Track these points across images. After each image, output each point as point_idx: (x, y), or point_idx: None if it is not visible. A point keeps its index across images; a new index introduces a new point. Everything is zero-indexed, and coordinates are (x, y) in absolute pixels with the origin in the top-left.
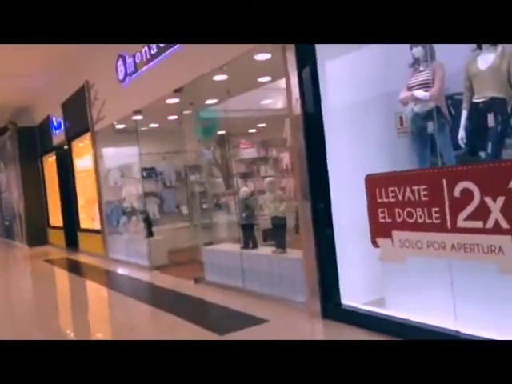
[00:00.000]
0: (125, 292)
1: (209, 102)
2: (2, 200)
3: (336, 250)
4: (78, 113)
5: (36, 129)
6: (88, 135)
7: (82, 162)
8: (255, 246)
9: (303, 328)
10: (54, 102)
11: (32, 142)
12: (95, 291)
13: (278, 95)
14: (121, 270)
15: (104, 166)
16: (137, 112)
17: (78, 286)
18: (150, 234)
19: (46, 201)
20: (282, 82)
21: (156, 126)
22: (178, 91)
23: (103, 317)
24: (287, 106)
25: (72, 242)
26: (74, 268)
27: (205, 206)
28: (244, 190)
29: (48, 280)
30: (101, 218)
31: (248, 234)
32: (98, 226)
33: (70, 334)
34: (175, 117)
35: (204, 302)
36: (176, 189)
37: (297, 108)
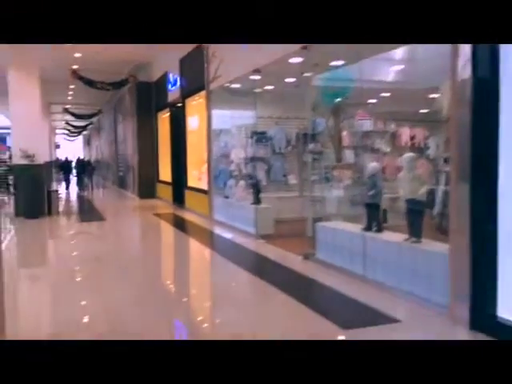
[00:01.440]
0: (228, 257)
1: (334, 63)
2: (119, 152)
3: (498, 248)
4: (195, 70)
5: (153, 84)
6: (202, 93)
7: (194, 121)
8: (380, 230)
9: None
10: (172, 58)
11: (148, 98)
12: (199, 251)
13: (404, 65)
14: (225, 234)
15: (216, 126)
16: (256, 71)
17: (183, 243)
18: (257, 200)
19: (158, 156)
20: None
21: (271, 88)
22: (304, 48)
23: (204, 277)
24: (450, 69)
25: (178, 199)
26: (180, 225)
27: (313, 178)
28: (373, 166)
29: (157, 233)
30: (208, 179)
31: (372, 215)
32: (204, 186)
33: (170, 286)
34: (293, 79)
35: (316, 283)
36: (284, 156)
37: (464, 72)
